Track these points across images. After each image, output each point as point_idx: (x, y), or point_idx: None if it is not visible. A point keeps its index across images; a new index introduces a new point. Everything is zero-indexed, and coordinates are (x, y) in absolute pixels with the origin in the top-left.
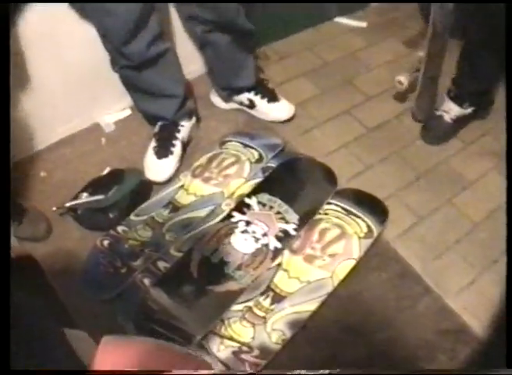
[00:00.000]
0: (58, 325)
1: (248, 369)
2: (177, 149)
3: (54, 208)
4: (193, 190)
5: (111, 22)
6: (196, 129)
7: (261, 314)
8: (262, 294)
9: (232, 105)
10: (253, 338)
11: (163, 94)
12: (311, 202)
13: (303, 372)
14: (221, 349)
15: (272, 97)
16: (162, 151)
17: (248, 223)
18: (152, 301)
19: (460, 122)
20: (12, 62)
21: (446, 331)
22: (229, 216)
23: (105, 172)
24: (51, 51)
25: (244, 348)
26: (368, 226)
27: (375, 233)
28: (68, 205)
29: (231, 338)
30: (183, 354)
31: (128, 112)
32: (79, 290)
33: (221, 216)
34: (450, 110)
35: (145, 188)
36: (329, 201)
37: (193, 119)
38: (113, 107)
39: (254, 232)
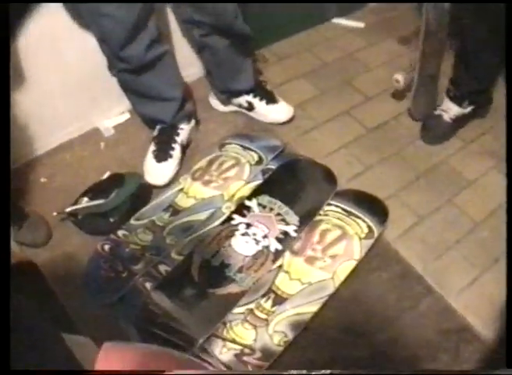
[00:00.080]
0: (57, 330)
1: None
2: (176, 152)
3: (54, 214)
4: (193, 193)
5: (109, 25)
6: (195, 132)
7: (263, 316)
8: (264, 296)
9: (231, 108)
10: (255, 340)
11: (162, 98)
12: (312, 203)
13: (304, 372)
14: (223, 352)
15: (271, 99)
16: (162, 155)
17: (249, 226)
18: (154, 305)
19: (460, 121)
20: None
21: (447, 331)
22: (230, 218)
23: (105, 176)
24: (50, 57)
25: (246, 351)
26: (369, 227)
27: (376, 234)
28: (68, 210)
29: (233, 341)
30: (184, 360)
31: (127, 116)
32: (80, 294)
33: (221, 219)
34: (449, 110)
35: (145, 192)
36: (329, 202)
37: (192, 122)
38: (112, 111)
39: (254, 234)
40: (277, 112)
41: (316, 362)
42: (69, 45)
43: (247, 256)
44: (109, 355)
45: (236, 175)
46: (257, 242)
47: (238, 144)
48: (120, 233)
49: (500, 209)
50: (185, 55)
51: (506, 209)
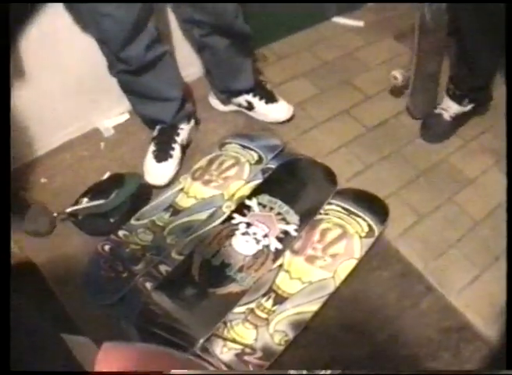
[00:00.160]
0: (57, 330)
1: None
2: (176, 152)
3: (55, 214)
4: (193, 193)
5: (108, 25)
6: (195, 131)
7: (264, 316)
8: (264, 295)
9: (231, 107)
10: (256, 340)
11: (162, 98)
12: (312, 203)
13: (304, 372)
14: (224, 351)
15: (271, 98)
16: (162, 155)
17: (249, 225)
18: (154, 305)
19: (460, 119)
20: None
21: (448, 329)
22: (230, 218)
23: (105, 176)
24: (50, 57)
25: (247, 350)
26: (369, 226)
27: (376, 233)
28: (68, 210)
29: (234, 340)
30: (184, 360)
31: (126, 116)
32: (80, 295)
33: (221, 219)
34: (449, 108)
35: (145, 192)
36: (330, 201)
37: (192, 122)
38: (112, 111)
39: (254, 233)
40: (277, 112)
41: (317, 361)
42: (69, 46)
43: (247, 256)
44: (109, 355)
45: (236, 174)
46: (258, 241)
47: (238, 144)
48: (120, 233)
49: (501, 208)
50: (184, 54)
51: (507, 208)
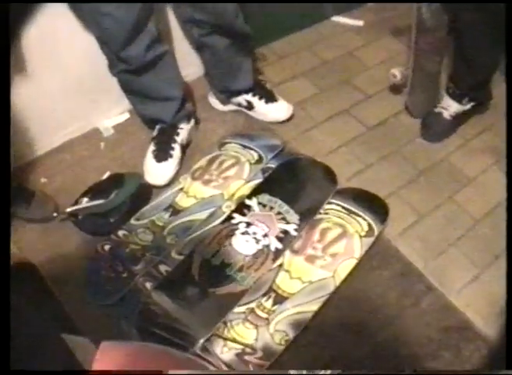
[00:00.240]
0: (57, 330)
1: None
2: (176, 152)
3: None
4: (193, 192)
5: (109, 25)
6: (195, 131)
7: (264, 315)
8: (264, 295)
9: (231, 107)
10: (256, 340)
11: (162, 97)
12: (312, 202)
13: (304, 372)
14: (224, 351)
15: (270, 97)
16: (162, 155)
17: (249, 225)
18: (154, 305)
19: (460, 118)
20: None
21: (449, 328)
22: (230, 217)
23: (105, 176)
24: (51, 57)
25: (247, 350)
26: (369, 225)
27: (376, 232)
28: (68, 210)
29: (234, 340)
30: (183, 359)
31: (126, 115)
32: (80, 295)
33: (221, 218)
34: (449, 107)
35: (145, 192)
36: (330, 200)
37: (192, 122)
38: (112, 111)
39: (254, 233)
40: (277, 111)
41: (317, 361)
42: (69, 46)
43: (247, 255)
44: (106, 355)
45: (236, 174)
46: (258, 241)
47: (238, 143)
48: (120, 233)
49: (500, 207)
50: (184, 54)
51: (507, 206)
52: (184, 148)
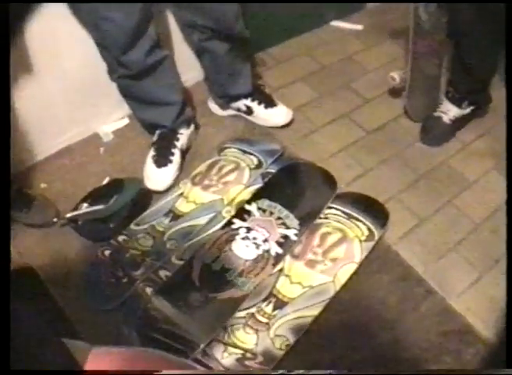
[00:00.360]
0: (58, 335)
1: None
2: (176, 157)
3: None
4: (193, 198)
5: (109, 30)
6: (194, 136)
7: (264, 320)
8: (265, 300)
9: (230, 112)
10: (256, 345)
11: (162, 102)
12: (312, 207)
13: (301, 372)
14: (225, 356)
15: (270, 102)
16: (161, 160)
17: (249, 230)
18: (155, 310)
19: (459, 122)
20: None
21: (449, 332)
22: (230, 222)
23: (105, 182)
24: (50, 62)
25: (248, 355)
26: (369, 230)
27: (376, 237)
28: (68, 216)
29: (234, 345)
30: (181, 364)
31: (126, 121)
32: (81, 300)
33: (221, 223)
34: (449, 111)
35: (145, 197)
36: (330, 205)
37: (192, 127)
38: (111, 116)
39: (254, 238)
40: (276, 116)
41: (318, 366)
42: (69, 51)
43: (247, 260)
44: (98, 359)
45: (236, 179)
46: (258, 246)
47: (237, 148)
48: (120, 238)
49: (500, 210)
50: (184, 59)
51: (507, 210)
52: (184, 153)
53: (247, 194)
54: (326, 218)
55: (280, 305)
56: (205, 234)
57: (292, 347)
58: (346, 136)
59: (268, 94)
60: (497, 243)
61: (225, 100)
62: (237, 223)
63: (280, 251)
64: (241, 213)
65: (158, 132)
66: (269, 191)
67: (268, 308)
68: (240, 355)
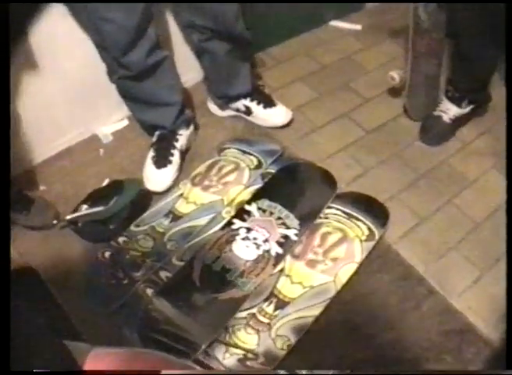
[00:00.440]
0: (58, 336)
1: None
2: (176, 158)
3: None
4: (192, 198)
5: (110, 30)
6: (194, 137)
7: (266, 320)
8: (266, 300)
9: (230, 112)
10: (258, 345)
11: (162, 103)
12: (312, 207)
13: (303, 372)
14: (226, 357)
15: (269, 102)
16: (161, 161)
17: (249, 230)
18: (155, 312)
19: (459, 122)
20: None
21: (450, 332)
22: (230, 223)
23: (104, 183)
24: (50, 64)
25: (249, 355)
26: (370, 229)
27: (377, 236)
28: (68, 217)
29: (236, 346)
30: (181, 366)
31: (125, 122)
32: (82, 302)
33: (221, 224)
34: (448, 110)
35: (145, 198)
36: (330, 205)
37: (191, 128)
38: (110, 118)
39: (255, 238)
40: (275, 116)
41: (319, 365)
42: (68, 53)
43: (248, 261)
44: (97, 359)
45: (236, 179)
46: (258, 246)
47: (237, 149)
48: (120, 239)
49: (501, 209)
50: (183, 60)
51: (507, 209)
52: (183, 153)
53: (246, 194)
54: (326, 218)
55: (281, 305)
56: (205, 235)
57: (293, 347)
58: (346, 136)
59: (268, 94)
60: (497, 242)
61: (225, 100)
62: (237, 223)
63: (281, 251)
64: (241, 214)
65: (157, 133)
66: (269, 191)
67: (269, 309)
68: (241, 356)
